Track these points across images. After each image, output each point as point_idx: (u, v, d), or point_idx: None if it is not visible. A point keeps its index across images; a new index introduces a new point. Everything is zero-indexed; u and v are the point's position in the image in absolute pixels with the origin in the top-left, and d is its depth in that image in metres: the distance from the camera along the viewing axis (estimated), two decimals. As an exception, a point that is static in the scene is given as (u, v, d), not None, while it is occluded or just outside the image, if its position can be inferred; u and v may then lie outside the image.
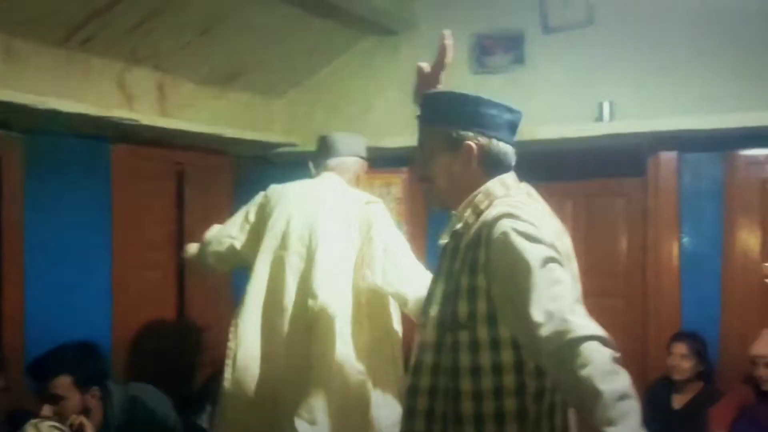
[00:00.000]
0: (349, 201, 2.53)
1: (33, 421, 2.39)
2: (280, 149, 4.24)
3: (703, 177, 3.69)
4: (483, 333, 1.40)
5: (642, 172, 3.78)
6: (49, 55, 3.06)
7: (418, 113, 1.63)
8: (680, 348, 3.40)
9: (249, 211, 2.62)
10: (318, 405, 2.33)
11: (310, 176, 2.66)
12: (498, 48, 3.90)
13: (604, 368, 1.23)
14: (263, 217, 2.54)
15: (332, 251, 2.42)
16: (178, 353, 3.86)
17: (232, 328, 2.50)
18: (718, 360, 3.57)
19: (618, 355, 1.28)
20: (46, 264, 3.22)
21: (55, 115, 2.90)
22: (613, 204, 4.05)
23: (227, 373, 2.46)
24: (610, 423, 1.19)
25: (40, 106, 2.79)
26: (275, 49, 3.90)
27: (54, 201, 3.26)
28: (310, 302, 2.38)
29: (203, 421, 3.55)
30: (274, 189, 2.60)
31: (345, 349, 2.37)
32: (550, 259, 1.34)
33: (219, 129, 3.78)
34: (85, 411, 2.59)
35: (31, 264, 3.15)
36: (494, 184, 1.50)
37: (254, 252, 2.50)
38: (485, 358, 1.39)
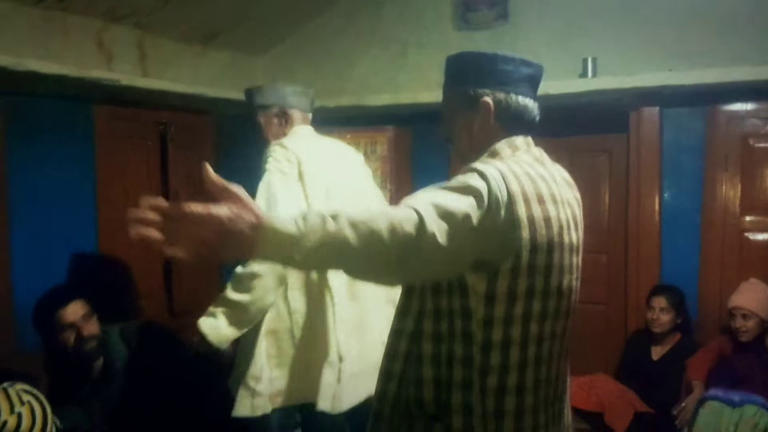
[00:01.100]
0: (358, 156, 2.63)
1: (3, 384, 2.39)
2: (264, 108, 4.21)
3: (684, 132, 3.73)
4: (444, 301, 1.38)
5: (625, 128, 3.80)
6: (26, 14, 2.99)
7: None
8: (659, 302, 3.48)
9: (289, 176, 2.33)
10: None
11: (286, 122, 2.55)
12: (482, 4, 3.87)
13: (402, 217, 1.19)
14: (302, 178, 2.34)
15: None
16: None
17: (328, 308, 2.33)
18: (697, 312, 3.66)
19: (428, 235, 1.19)
20: (32, 226, 3.21)
21: (34, 76, 2.85)
22: (597, 160, 4.09)
23: (338, 360, 2.32)
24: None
25: (19, 68, 2.75)
26: (257, 6, 3.84)
27: (37, 163, 3.23)
28: None
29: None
30: (297, 146, 2.41)
31: None
32: (475, 191, 1.28)
33: (201, 89, 3.74)
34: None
35: (17, 227, 3.14)
36: (502, 145, 1.48)
37: None
38: (445, 325, 1.38)
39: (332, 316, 2.36)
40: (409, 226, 1.19)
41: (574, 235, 1.44)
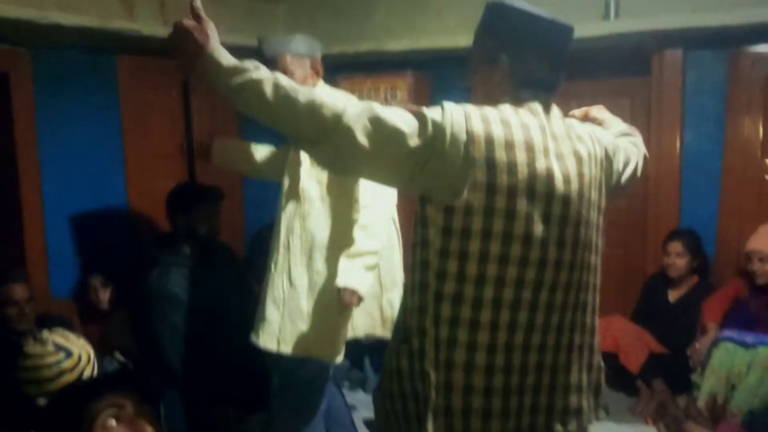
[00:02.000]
0: None
1: (43, 330, 2.48)
2: (284, 55, 4.21)
3: (707, 75, 3.67)
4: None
5: (647, 71, 3.76)
6: (47, -34, 3.02)
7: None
8: (675, 247, 3.51)
9: None
10: None
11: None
12: (502, -55, 3.79)
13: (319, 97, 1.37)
14: None
15: None
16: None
17: (396, 247, 2.63)
18: (715, 255, 3.69)
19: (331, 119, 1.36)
20: (62, 176, 3.30)
21: (57, 28, 2.90)
22: (617, 104, 3.99)
23: None
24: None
25: (43, 21, 2.79)
26: (275, -49, 3.81)
27: (65, 114, 3.31)
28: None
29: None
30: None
31: None
32: (423, 118, 1.37)
33: (220, 37, 3.74)
34: None
35: (48, 177, 3.24)
36: (507, 99, 1.48)
37: None
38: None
39: (399, 252, 2.61)
40: (328, 112, 1.36)
41: (561, 187, 1.40)
